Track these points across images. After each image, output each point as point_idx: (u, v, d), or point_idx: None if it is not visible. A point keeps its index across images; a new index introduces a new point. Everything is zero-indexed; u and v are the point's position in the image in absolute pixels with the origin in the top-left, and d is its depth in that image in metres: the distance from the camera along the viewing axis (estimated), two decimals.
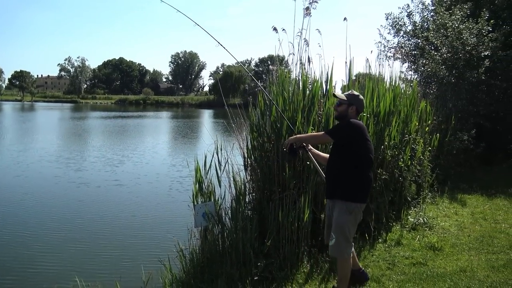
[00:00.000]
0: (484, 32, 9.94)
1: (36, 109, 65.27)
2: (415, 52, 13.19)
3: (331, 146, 3.95)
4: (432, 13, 13.28)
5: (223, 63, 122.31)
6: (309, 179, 4.84)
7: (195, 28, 4.70)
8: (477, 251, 4.96)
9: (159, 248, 6.07)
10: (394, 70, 7.89)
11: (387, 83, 6.61)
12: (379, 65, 6.78)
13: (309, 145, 4.09)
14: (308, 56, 5.74)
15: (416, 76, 12.76)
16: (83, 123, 37.41)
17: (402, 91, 6.98)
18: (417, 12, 14.26)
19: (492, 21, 10.09)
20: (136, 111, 66.47)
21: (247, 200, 5.19)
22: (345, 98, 3.75)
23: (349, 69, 5.97)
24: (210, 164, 4.99)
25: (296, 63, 5.53)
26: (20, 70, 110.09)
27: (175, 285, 4.41)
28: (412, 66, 13.26)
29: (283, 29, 5.42)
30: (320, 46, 6.28)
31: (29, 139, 22.77)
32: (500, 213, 6.66)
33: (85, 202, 9.52)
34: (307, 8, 5.20)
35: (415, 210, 6.36)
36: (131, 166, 14.34)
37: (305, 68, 5.52)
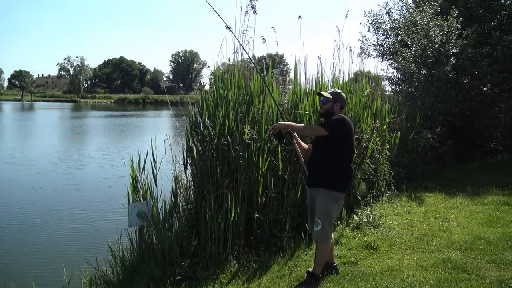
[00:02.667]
0: (453, 30, 9.87)
1: (29, 109, 65.45)
2: (392, 49, 13.15)
3: (314, 138, 4.18)
4: (408, 10, 13.22)
5: (223, 62, 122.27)
6: (242, 178, 4.81)
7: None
8: (413, 250, 4.92)
9: (90, 249, 6.07)
10: (353, 68, 7.82)
11: (339, 81, 6.59)
12: (348, 63, 6.75)
13: (295, 133, 4.22)
14: (253, 54, 5.75)
15: (398, 74, 12.77)
16: (64, 122, 37.60)
17: (359, 89, 6.95)
18: (397, 10, 14.21)
19: (461, 18, 10.02)
20: (136, 110, 66.61)
21: (183, 200, 5.18)
22: (331, 96, 4.05)
23: (305, 68, 5.98)
24: (145, 163, 4.99)
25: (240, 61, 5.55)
26: (20, 70, 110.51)
27: (100, 285, 4.39)
28: (394, 65, 13.24)
29: (227, 27, 5.45)
30: (277, 44, 6.35)
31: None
32: (453, 211, 6.61)
33: (14, 205, 9.47)
34: (252, 6, 5.20)
35: (365, 209, 6.34)
36: (72, 167, 14.16)
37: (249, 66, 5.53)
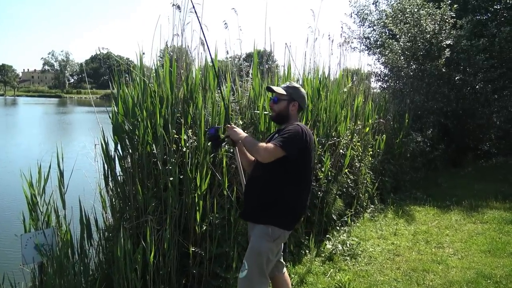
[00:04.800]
0: (447, 19, 8.74)
1: (10, 104, 63.29)
2: (380, 42, 12.02)
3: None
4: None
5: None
6: (172, 200, 3.59)
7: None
8: None
9: None
10: (332, 60, 6.66)
11: (311, 74, 5.40)
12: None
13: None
14: (203, 39, 4.53)
15: (385, 69, 11.65)
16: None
17: (335, 84, 5.76)
18: (384, 0, 13.08)
19: (456, 6, 8.89)
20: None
21: (101, 227, 3.94)
22: (284, 93, 2.87)
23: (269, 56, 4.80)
24: (47, 178, 3.75)
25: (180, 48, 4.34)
26: (2, 64, 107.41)
27: None
28: (380, 59, 12.11)
29: (173, 5, 4.26)
30: (240, 29, 5.15)
31: None
32: (448, 232, 5.48)
33: None
34: None
35: (342, 231, 5.17)
36: None
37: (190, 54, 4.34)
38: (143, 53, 3.95)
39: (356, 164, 5.82)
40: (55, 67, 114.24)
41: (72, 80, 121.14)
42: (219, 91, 4.21)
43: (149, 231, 3.28)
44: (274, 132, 3.07)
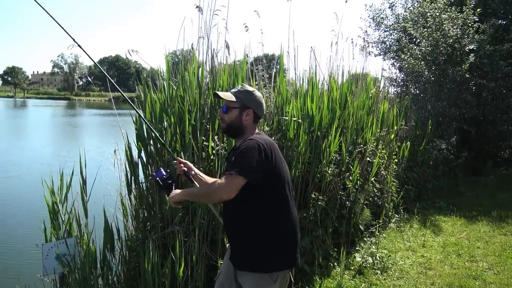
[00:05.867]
0: (469, 23, 8.52)
1: (19, 106, 63.70)
2: (396, 47, 11.81)
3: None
4: (415, 3, 11.88)
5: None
6: (200, 210, 3.42)
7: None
8: None
9: None
10: (354, 64, 6.47)
11: (337, 80, 5.23)
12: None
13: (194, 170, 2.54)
14: (226, 41, 4.39)
15: (401, 75, 11.44)
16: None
17: (362, 89, 5.58)
18: (401, 4, 12.89)
19: (479, 10, 8.66)
20: (129, 108, 64.34)
21: (125, 237, 3.78)
22: (234, 99, 2.29)
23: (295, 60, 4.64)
24: (69, 186, 3.60)
25: (207, 51, 4.18)
26: (12, 66, 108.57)
27: None
28: (396, 64, 11.90)
29: (197, 7, 4.12)
30: (262, 32, 5.00)
31: None
32: (479, 244, 5.26)
33: None
34: None
35: (370, 242, 4.97)
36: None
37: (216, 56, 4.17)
38: (170, 57, 3.79)
39: (382, 172, 5.63)
40: (65, 70, 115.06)
41: (81, 83, 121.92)
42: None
43: (178, 243, 3.11)
44: (231, 151, 2.41)
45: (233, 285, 2.31)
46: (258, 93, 2.35)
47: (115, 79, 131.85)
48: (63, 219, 3.63)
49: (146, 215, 3.69)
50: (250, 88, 2.36)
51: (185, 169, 2.47)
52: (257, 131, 2.35)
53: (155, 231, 3.53)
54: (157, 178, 2.42)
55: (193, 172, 2.48)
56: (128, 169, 3.76)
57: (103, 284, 3.50)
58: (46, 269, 3.47)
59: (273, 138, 4.28)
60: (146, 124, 3.52)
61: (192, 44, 4.20)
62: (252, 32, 4.72)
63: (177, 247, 3.10)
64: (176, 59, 4.23)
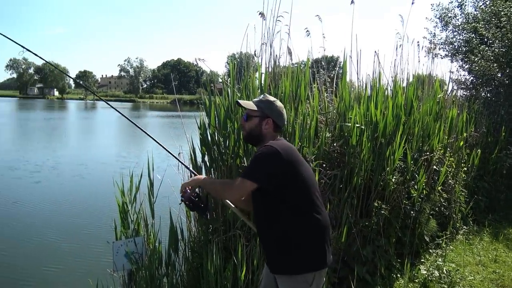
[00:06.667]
0: None
1: (90, 108, 67.90)
2: (465, 48, 11.19)
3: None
4: (487, 1, 11.18)
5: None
6: None
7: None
8: None
9: None
10: (420, 68, 6.20)
11: (401, 83, 5.05)
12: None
13: None
14: (288, 47, 4.41)
15: (470, 77, 10.83)
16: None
17: (429, 94, 5.35)
18: (471, 2, 12.18)
19: None
20: (190, 110, 66.57)
21: (188, 239, 3.91)
22: (255, 108, 2.39)
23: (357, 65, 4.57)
24: (138, 186, 3.79)
25: (269, 57, 4.22)
26: (84, 70, 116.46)
27: None
28: (465, 66, 11.28)
29: (260, 13, 4.20)
30: (324, 37, 4.99)
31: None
32: None
33: None
34: None
35: (435, 254, 4.75)
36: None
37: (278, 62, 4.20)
38: (235, 63, 3.87)
39: (450, 181, 5.35)
40: (130, 73, 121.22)
41: (145, 86, 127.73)
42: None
43: (240, 247, 3.17)
44: None
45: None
46: (279, 103, 2.43)
47: (177, 81, 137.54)
48: (132, 219, 3.83)
49: (208, 217, 3.78)
50: (271, 98, 2.44)
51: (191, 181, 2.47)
52: (278, 137, 2.40)
53: (217, 234, 3.61)
54: (186, 202, 2.45)
55: (199, 178, 2.47)
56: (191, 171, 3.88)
57: (167, 282, 3.64)
58: (116, 265, 3.67)
59: (334, 144, 4.24)
60: (210, 130, 3.63)
61: (255, 51, 4.26)
62: (314, 36, 4.68)
63: (239, 250, 3.16)
64: (238, 63, 4.32)
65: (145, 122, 38.77)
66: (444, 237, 4.91)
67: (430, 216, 4.78)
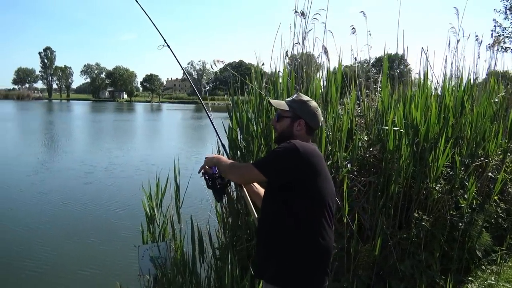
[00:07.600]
0: None
1: (156, 110, 70.92)
2: None
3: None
4: None
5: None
6: None
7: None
8: None
9: None
10: (480, 64, 5.60)
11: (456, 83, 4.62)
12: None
13: None
14: (324, 46, 4.21)
15: None
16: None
17: (484, 93, 4.84)
18: None
19: None
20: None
21: (214, 245, 3.81)
22: (287, 108, 2.21)
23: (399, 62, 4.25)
24: (164, 191, 3.78)
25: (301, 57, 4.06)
26: (150, 74, 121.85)
27: None
28: None
29: (296, 12, 4.07)
30: (370, 34, 4.73)
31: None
32: None
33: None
34: None
35: (489, 271, 4.27)
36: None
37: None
38: (263, 64, 3.73)
39: (510, 189, 4.80)
40: (193, 76, 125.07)
41: (207, 88, 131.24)
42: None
43: None
44: None
45: None
46: (313, 103, 2.24)
47: (238, 83, 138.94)
48: (158, 224, 3.81)
49: (232, 224, 3.67)
50: (305, 98, 2.25)
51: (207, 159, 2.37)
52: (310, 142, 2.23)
53: (241, 242, 3.49)
54: (206, 177, 2.35)
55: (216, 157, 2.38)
56: None
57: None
58: (142, 270, 3.68)
59: (371, 149, 3.95)
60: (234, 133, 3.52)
61: (286, 51, 4.10)
62: (359, 34, 4.38)
63: None
64: (296, 62, 4.19)
65: (205, 123, 39.83)
66: (500, 252, 4.39)
67: (483, 229, 4.29)
